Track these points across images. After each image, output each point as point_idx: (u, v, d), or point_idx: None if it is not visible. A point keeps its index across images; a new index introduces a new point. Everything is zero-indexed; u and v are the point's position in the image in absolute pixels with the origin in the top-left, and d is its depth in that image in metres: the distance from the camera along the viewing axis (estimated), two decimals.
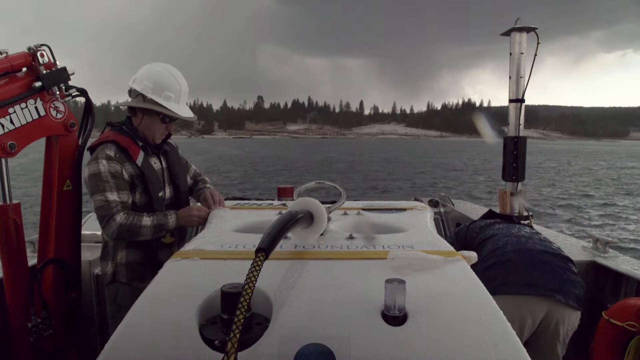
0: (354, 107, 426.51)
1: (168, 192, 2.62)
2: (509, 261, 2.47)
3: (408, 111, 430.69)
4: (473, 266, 1.61)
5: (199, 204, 2.72)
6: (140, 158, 2.46)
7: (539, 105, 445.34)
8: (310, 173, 33.99)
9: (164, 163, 2.63)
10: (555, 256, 2.51)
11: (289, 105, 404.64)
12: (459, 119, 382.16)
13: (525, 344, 2.39)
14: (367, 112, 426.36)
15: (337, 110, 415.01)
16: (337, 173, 33.79)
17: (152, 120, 2.49)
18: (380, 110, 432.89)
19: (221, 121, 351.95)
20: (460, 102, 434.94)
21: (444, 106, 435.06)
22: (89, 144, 2.52)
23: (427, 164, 45.82)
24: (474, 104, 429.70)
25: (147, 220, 2.36)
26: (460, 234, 3.07)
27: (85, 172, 2.40)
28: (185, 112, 2.52)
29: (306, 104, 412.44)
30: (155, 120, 2.49)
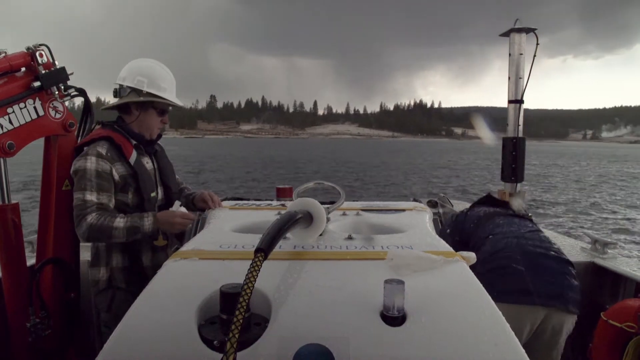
0: (308, 107, 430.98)
1: (160, 193, 2.59)
2: (508, 267, 2.42)
3: (361, 111, 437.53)
4: (472, 267, 1.61)
5: (183, 208, 2.63)
6: (133, 157, 2.43)
7: (486, 107, 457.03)
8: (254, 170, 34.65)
9: (155, 163, 2.61)
10: (555, 260, 2.48)
11: (243, 105, 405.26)
12: (411, 119, 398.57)
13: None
14: (320, 112, 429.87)
15: (291, 110, 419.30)
16: (275, 171, 34.35)
17: (148, 114, 2.49)
18: (334, 111, 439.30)
19: (172, 120, 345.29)
20: (412, 103, 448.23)
21: (397, 107, 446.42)
22: (79, 141, 2.49)
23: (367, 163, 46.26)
24: (425, 105, 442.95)
25: (119, 222, 2.26)
26: (458, 220, 3.03)
27: (72, 166, 2.34)
28: (179, 102, 2.56)
29: (260, 103, 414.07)
30: (151, 114, 2.49)
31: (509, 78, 3.69)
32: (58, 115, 2.34)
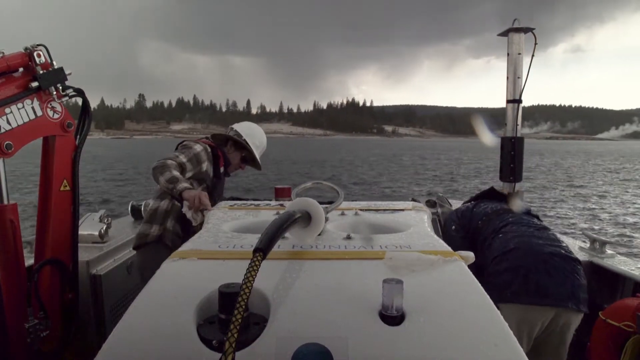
0: (241, 106, 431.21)
1: None
2: (521, 267, 2.42)
3: (295, 110, 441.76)
4: (480, 261, 1.61)
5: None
6: (222, 168, 3.23)
7: (416, 105, 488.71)
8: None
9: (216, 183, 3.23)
10: (565, 259, 2.48)
11: (174, 104, 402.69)
12: (343, 117, 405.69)
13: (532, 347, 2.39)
14: (254, 111, 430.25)
15: (224, 109, 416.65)
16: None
17: (236, 154, 3.36)
18: (267, 110, 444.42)
19: (98, 120, 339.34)
20: (345, 102, 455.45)
21: (330, 105, 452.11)
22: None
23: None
24: (358, 103, 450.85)
25: (174, 171, 2.75)
26: (464, 217, 3.00)
27: (184, 142, 3.13)
28: (259, 162, 3.45)
29: (192, 102, 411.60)
30: (237, 155, 3.37)
31: (507, 78, 3.69)
32: (56, 116, 2.34)
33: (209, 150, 3.11)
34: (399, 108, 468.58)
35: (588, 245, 3.31)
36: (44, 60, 2.25)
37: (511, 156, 3.67)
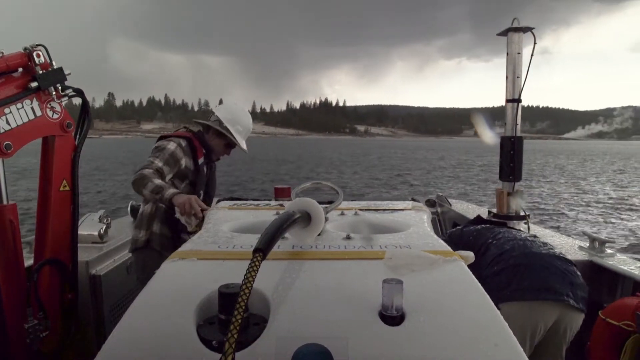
0: (213, 105, 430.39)
1: (201, 194, 3.13)
2: (519, 265, 2.44)
3: (268, 110, 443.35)
4: (477, 271, 1.61)
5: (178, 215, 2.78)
6: (201, 160, 3.08)
7: (389, 105, 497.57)
8: None
9: (206, 171, 3.20)
10: (560, 259, 2.51)
11: (144, 103, 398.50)
12: (316, 117, 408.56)
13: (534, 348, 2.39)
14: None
15: (196, 108, 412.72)
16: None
17: (219, 141, 3.18)
18: None
19: None
20: (318, 102, 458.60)
21: (303, 105, 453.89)
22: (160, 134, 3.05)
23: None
24: (331, 103, 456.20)
25: (156, 180, 2.69)
26: (453, 237, 3.03)
27: (156, 143, 2.97)
28: (244, 146, 3.25)
29: (163, 102, 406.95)
30: (220, 142, 3.19)
31: (507, 77, 3.69)
32: (55, 116, 2.34)
33: (184, 144, 2.98)
34: (372, 108, 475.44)
35: (588, 244, 3.31)
36: (43, 60, 2.25)
37: (511, 155, 3.67)
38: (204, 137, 3.17)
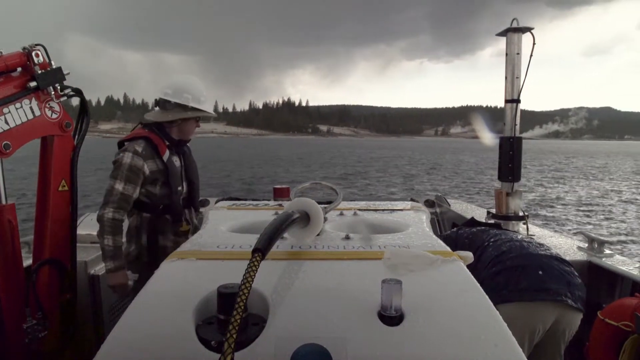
0: None
1: (184, 187, 2.96)
2: (517, 267, 2.43)
3: (230, 110, 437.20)
4: (475, 272, 1.61)
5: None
6: (166, 156, 2.80)
7: (352, 105, 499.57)
8: None
9: (182, 162, 2.96)
10: (557, 260, 2.51)
11: (102, 103, 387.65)
12: (279, 117, 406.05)
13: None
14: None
15: (156, 108, 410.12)
16: None
17: (188, 123, 2.87)
18: None
19: None
20: (281, 101, 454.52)
21: (266, 105, 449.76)
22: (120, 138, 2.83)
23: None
24: (294, 103, 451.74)
25: (108, 242, 2.62)
26: (448, 240, 3.00)
27: (115, 157, 2.74)
28: (208, 108, 2.91)
29: (122, 101, 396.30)
30: (191, 123, 2.88)
31: (506, 78, 3.69)
32: (54, 116, 2.34)
33: (141, 148, 2.70)
34: (335, 108, 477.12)
35: (587, 245, 3.31)
36: (42, 60, 2.24)
37: (510, 156, 3.67)
38: (163, 128, 2.84)
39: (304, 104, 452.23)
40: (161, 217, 2.82)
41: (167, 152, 2.81)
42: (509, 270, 2.43)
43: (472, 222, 3.29)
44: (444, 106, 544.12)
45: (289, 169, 37.77)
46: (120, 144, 2.82)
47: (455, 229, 3.16)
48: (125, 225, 2.82)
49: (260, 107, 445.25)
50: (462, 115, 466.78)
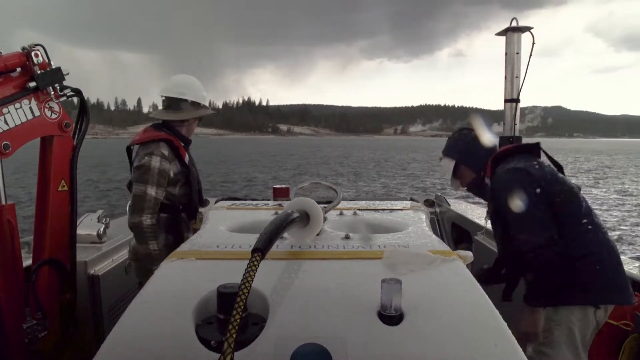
0: (131, 104, 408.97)
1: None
2: (617, 264, 2.17)
3: None
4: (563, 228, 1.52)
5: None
6: (187, 157, 2.90)
7: (313, 105, 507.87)
8: None
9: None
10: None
11: None
12: (238, 117, 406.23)
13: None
14: (145, 109, 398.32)
15: (112, 108, 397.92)
16: None
17: (195, 123, 3.00)
18: (160, 108, 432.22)
19: None
20: (241, 101, 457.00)
21: (225, 104, 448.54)
22: (135, 138, 2.87)
23: None
24: (254, 102, 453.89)
25: (154, 245, 2.68)
26: (544, 180, 2.20)
27: (136, 162, 2.74)
28: (206, 102, 3.02)
29: (76, 100, 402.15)
30: (195, 121, 3.00)
31: (505, 77, 3.68)
32: (54, 116, 2.34)
33: (167, 152, 2.76)
34: (295, 107, 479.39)
35: None
36: (41, 60, 2.24)
37: None
38: (172, 127, 2.88)
39: (264, 103, 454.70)
40: (178, 216, 2.89)
41: (187, 154, 2.93)
42: (607, 267, 2.13)
43: (525, 147, 2.49)
44: (404, 105, 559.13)
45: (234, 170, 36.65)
46: (128, 149, 2.92)
47: (536, 162, 2.31)
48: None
49: (220, 106, 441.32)
50: (421, 114, 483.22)
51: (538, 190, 2.16)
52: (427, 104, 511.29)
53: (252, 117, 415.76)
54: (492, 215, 2.53)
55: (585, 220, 2.20)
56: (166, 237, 2.85)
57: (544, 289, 2.14)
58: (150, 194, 2.68)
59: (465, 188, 2.67)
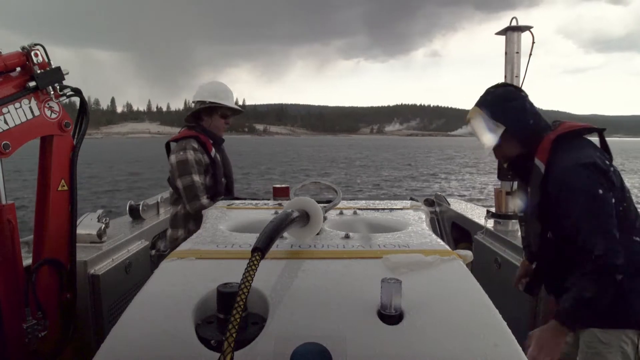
0: (104, 104, 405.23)
1: (223, 180, 3.43)
2: None
3: (165, 109, 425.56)
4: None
5: None
6: (213, 152, 3.34)
7: (289, 104, 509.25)
8: None
9: (220, 158, 3.46)
10: None
11: None
12: None
13: None
14: (119, 109, 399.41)
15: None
16: None
17: (214, 119, 3.39)
18: (134, 108, 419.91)
19: None
20: None
21: None
22: (172, 137, 3.33)
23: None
24: None
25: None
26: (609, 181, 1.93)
27: (173, 158, 3.23)
28: (235, 107, 3.48)
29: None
30: (216, 118, 3.40)
31: (505, 77, 3.69)
32: (54, 115, 2.34)
33: (197, 145, 3.25)
34: (272, 107, 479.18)
35: None
36: (41, 59, 2.24)
37: None
38: (204, 128, 3.37)
39: (240, 102, 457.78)
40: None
41: (213, 149, 3.36)
42: None
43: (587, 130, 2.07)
44: (380, 105, 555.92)
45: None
46: (167, 145, 3.41)
47: (602, 156, 2.00)
48: (168, 213, 3.41)
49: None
50: (397, 113, 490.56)
51: (610, 193, 1.90)
52: (404, 103, 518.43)
53: None
54: (534, 206, 2.10)
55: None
56: (196, 223, 3.02)
57: (598, 306, 1.84)
58: (198, 181, 3.16)
59: (503, 161, 2.30)
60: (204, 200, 3.14)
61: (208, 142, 3.32)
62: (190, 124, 3.41)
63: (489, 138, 2.10)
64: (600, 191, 1.86)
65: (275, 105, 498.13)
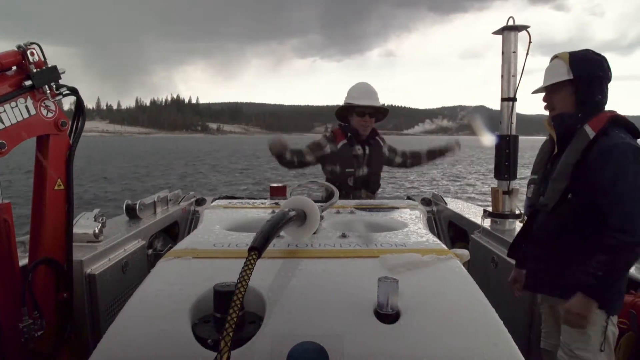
0: None
1: (364, 170, 3.83)
2: None
3: (115, 107, 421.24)
4: None
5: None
6: (341, 143, 3.81)
7: (245, 103, 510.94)
8: None
9: (367, 150, 3.85)
10: None
11: None
12: (166, 115, 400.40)
13: None
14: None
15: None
16: None
17: (352, 118, 3.84)
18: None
19: None
20: (170, 99, 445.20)
21: (153, 102, 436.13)
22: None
23: None
24: (183, 100, 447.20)
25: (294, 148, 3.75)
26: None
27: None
28: (366, 102, 3.80)
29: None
30: (352, 117, 3.84)
31: (502, 76, 3.69)
32: (50, 115, 2.33)
33: (329, 134, 3.90)
34: (227, 105, 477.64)
35: None
36: (37, 58, 2.23)
37: (506, 154, 3.68)
38: (349, 124, 3.88)
39: (194, 101, 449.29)
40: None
41: (343, 141, 3.80)
42: None
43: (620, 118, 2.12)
44: (335, 103, 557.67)
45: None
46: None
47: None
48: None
49: (148, 104, 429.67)
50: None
51: None
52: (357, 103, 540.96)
53: (180, 115, 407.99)
54: (567, 164, 2.13)
55: None
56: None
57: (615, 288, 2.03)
58: (302, 148, 3.76)
59: (547, 108, 2.32)
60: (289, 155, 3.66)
61: (339, 134, 3.84)
62: (341, 123, 3.94)
63: (552, 75, 2.20)
64: None
65: (230, 103, 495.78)
